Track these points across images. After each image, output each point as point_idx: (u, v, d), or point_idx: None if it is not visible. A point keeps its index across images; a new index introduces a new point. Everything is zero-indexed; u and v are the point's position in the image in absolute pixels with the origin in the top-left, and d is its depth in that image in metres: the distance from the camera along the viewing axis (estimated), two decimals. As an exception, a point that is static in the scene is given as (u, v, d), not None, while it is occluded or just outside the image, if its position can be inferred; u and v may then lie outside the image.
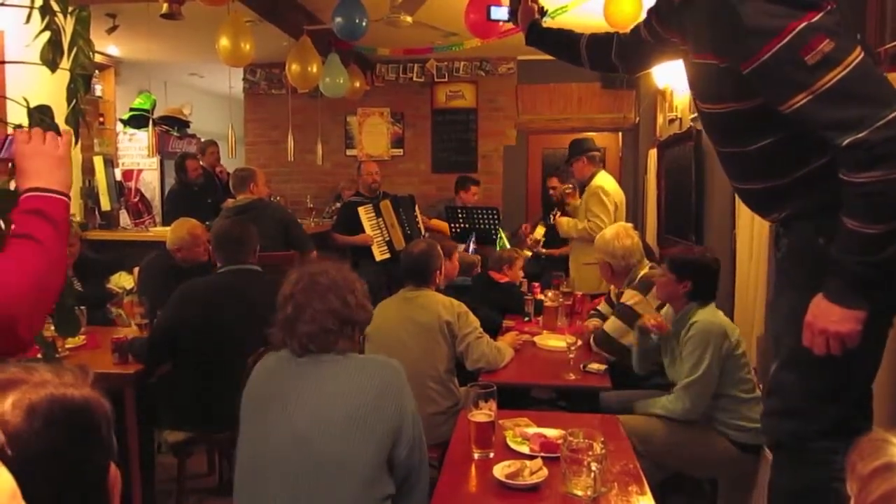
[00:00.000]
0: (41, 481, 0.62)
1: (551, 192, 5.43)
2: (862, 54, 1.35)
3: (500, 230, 5.32)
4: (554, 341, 3.15)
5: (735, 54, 1.47)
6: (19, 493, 0.48)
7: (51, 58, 1.79)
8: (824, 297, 1.43)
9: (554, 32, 2.30)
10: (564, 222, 4.53)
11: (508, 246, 4.93)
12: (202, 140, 6.65)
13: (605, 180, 4.49)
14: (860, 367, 1.53)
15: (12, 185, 1.79)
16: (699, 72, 1.67)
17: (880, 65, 1.88)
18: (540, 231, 4.99)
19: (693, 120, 4.20)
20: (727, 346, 2.44)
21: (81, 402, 0.68)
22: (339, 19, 4.06)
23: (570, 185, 4.95)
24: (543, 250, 4.97)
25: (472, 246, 5.17)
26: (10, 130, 1.85)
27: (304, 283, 1.73)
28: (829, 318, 1.42)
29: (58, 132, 1.36)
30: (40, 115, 1.73)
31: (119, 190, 5.84)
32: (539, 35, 2.32)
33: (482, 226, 5.32)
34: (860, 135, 1.31)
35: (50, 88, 2.03)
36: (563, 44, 2.27)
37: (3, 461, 0.58)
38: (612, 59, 2.11)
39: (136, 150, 6.84)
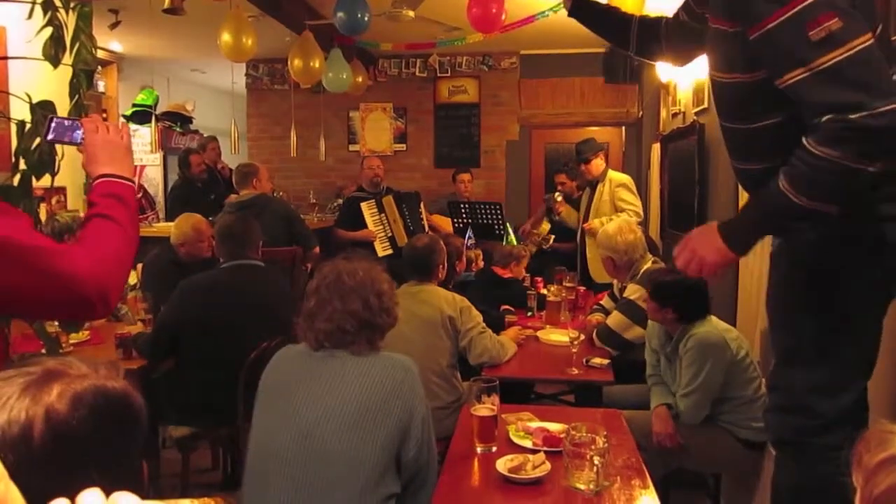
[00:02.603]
0: (90, 469, 0.63)
1: (559, 188, 5.44)
2: (870, 41, 1.30)
3: (507, 225, 5.32)
4: (557, 336, 3.15)
5: (744, 18, 1.42)
6: (6, 474, 0.49)
7: (53, 53, 1.79)
8: (717, 224, 1.49)
9: (601, 8, 2.12)
10: (597, 224, 4.55)
11: (515, 241, 4.93)
12: (203, 136, 6.66)
13: (620, 174, 4.86)
14: (859, 361, 1.52)
15: (16, 181, 1.80)
16: (713, 37, 1.62)
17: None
18: (545, 227, 5.03)
19: (696, 114, 4.18)
20: (729, 356, 2.41)
21: (122, 392, 0.70)
22: (341, 14, 4.05)
23: (559, 194, 5.17)
24: (553, 244, 5.10)
25: (469, 242, 5.16)
26: (13, 127, 1.85)
27: (331, 280, 1.74)
28: (705, 242, 1.48)
29: None
30: (43, 111, 1.73)
31: (122, 186, 5.83)
32: (584, 8, 2.09)
33: (485, 221, 5.31)
34: (846, 116, 1.27)
35: (52, 84, 2.03)
36: (611, 22, 2.08)
37: (22, 450, 0.59)
38: (661, 40, 1.96)
39: (139, 146, 6.83)
